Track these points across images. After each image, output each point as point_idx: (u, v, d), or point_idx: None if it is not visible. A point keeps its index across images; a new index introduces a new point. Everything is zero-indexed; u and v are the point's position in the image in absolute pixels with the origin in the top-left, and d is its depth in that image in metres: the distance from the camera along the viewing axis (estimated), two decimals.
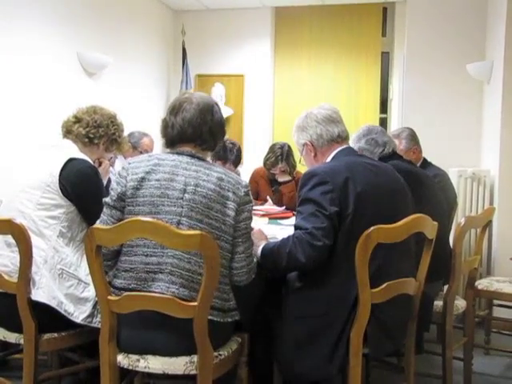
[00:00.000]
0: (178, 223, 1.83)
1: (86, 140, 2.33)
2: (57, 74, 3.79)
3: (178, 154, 1.96)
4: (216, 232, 1.86)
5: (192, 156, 1.95)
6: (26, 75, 3.49)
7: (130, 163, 1.96)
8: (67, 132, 2.35)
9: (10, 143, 3.29)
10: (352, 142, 2.77)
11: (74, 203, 2.16)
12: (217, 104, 2.09)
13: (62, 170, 2.14)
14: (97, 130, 2.34)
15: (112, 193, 1.93)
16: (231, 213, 1.88)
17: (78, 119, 2.35)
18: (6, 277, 2.06)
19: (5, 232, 2.02)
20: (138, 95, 4.92)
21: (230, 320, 1.91)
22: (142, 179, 1.88)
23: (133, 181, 1.89)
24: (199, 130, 1.97)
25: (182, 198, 1.85)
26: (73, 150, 2.26)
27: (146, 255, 1.85)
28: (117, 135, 2.42)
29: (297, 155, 4.26)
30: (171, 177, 1.88)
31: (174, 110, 2.00)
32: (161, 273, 1.83)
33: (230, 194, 1.90)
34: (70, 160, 2.18)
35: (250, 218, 1.97)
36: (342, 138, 2.23)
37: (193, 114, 1.97)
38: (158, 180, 1.87)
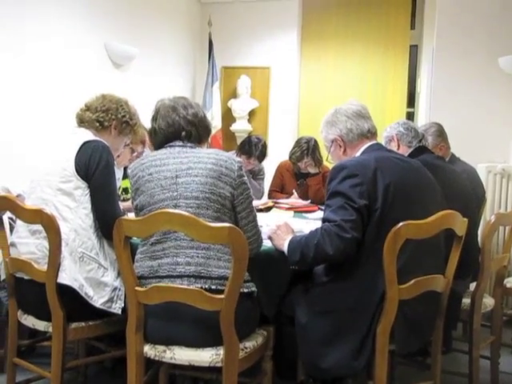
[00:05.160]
0: (175, 206, 1.92)
1: (97, 124, 2.35)
2: (85, 65, 3.81)
3: (169, 147, 2.08)
4: (215, 205, 1.93)
5: (183, 146, 2.07)
6: (55, 67, 3.53)
7: (129, 169, 2.12)
8: (80, 121, 2.38)
9: (38, 133, 3.33)
10: (389, 129, 2.79)
11: (87, 182, 2.17)
12: (196, 103, 2.20)
13: (77, 153, 2.17)
14: (106, 114, 2.36)
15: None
16: (228, 187, 1.96)
17: (87, 107, 2.39)
18: (36, 265, 2.09)
19: (35, 221, 2.05)
20: (164, 87, 4.92)
21: (245, 291, 1.92)
22: (139, 177, 2.03)
23: (134, 182, 2.06)
24: (178, 126, 2.09)
25: (176, 183, 1.96)
26: (88, 136, 2.28)
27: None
28: (127, 117, 2.43)
29: (323, 150, 4.28)
30: (162, 168, 2.00)
31: (153, 116, 2.16)
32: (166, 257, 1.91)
33: (224, 169, 1.97)
34: (85, 143, 2.20)
35: (249, 189, 2.05)
36: (372, 133, 2.22)
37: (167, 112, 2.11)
38: (150, 174, 2.00)
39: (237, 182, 1.98)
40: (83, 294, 2.08)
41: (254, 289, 1.98)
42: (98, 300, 2.11)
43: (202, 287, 1.82)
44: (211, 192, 1.93)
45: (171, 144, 2.08)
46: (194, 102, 2.21)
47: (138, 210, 2.04)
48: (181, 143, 2.08)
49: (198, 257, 1.88)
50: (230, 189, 1.96)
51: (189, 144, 2.08)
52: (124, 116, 2.42)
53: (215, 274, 1.87)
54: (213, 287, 1.84)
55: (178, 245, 1.90)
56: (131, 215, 2.20)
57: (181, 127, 2.08)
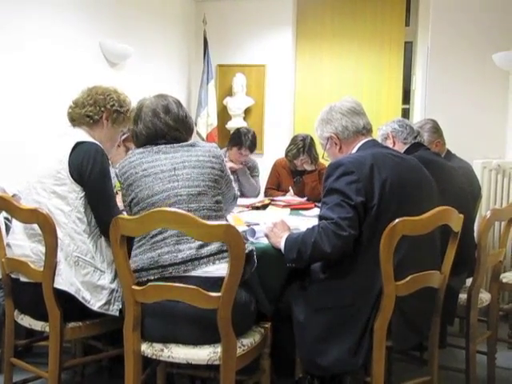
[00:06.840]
0: (176, 195, 1.97)
1: (88, 119, 2.32)
2: (80, 64, 3.79)
3: (154, 145, 2.12)
4: (212, 190, 2.03)
5: (167, 142, 2.12)
6: (49, 65, 3.51)
7: (117, 169, 2.13)
8: (72, 120, 2.36)
9: (32, 133, 3.31)
10: (385, 127, 2.82)
11: (82, 186, 2.15)
12: (176, 102, 2.22)
13: (70, 155, 2.15)
14: (94, 107, 2.33)
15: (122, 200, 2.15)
16: (219, 172, 2.10)
17: (75, 104, 2.36)
18: (32, 266, 2.08)
19: (31, 221, 2.04)
20: (159, 85, 4.89)
21: None
22: (131, 174, 2.06)
23: (124, 180, 2.08)
24: (160, 131, 2.13)
25: (175, 175, 2.02)
26: (81, 136, 2.26)
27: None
28: (117, 106, 2.38)
29: (319, 147, 4.28)
30: (156, 163, 2.05)
31: (134, 119, 2.18)
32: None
33: (213, 158, 2.10)
34: (78, 144, 2.18)
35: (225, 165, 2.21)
36: (367, 129, 2.22)
37: (149, 117, 2.14)
38: (144, 170, 2.04)
39: (223, 166, 2.13)
40: (80, 299, 2.08)
41: (251, 247, 1.99)
42: (95, 304, 2.11)
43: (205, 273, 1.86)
44: (209, 180, 2.04)
45: (156, 142, 2.12)
46: (174, 99, 2.22)
47: (132, 205, 2.05)
48: (165, 141, 2.12)
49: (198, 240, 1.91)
50: (220, 173, 2.11)
51: (172, 140, 2.13)
52: (113, 105, 2.37)
53: (215, 249, 1.91)
54: (216, 263, 1.88)
55: (179, 232, 1.91)
56: None
57: (163, 132, 2.13)
